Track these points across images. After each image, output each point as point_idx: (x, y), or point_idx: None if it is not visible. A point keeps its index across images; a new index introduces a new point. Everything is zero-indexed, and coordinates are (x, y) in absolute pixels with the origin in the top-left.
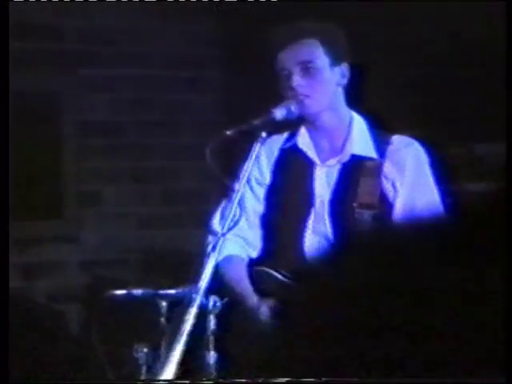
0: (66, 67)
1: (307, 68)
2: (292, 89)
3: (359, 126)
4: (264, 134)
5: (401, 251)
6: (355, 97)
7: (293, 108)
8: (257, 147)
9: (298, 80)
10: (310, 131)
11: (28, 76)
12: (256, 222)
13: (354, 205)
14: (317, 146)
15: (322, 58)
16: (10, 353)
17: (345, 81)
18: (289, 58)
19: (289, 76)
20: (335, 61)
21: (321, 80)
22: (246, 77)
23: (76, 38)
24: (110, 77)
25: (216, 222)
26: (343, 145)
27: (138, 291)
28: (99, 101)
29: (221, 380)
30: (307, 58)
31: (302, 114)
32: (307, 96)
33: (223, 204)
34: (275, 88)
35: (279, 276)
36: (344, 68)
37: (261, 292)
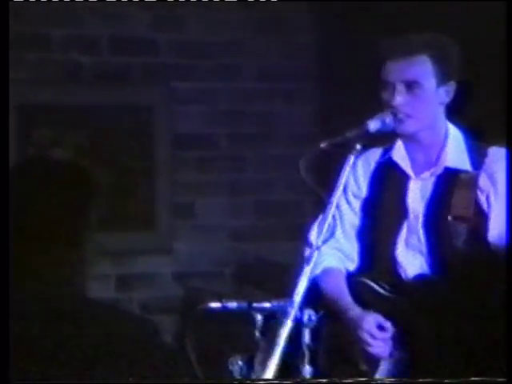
0: (160, 80)
1: (412, 87)
2: (393, 106)
3: (455, 138)
4: (359, 147)
5: (497, 272)
6: (454, 109)
7: (387, 120)
8: (351, 159)
9: (400, 99)
10: (405, 144)
11: (123, 89)
12: (352, 234)
13: (449, 217)
14: (412, 159)
15: (429, 78)
16: (10, 353)
17: (449, 99)
18: (395, 73)
19: (392, 92)
20: (443, 80)
21: (424, 101)
22: (341, 89)
23: (170, 51)
24: (204, 89)
25: (311, 235)
26: (438, 157)
27: (232, 304)
28: (193, 113)
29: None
30: (414, 77)
31: (399, 132)
32: (408, 116)
33: (319, 216)
34: (370, 100)
35: (378, 288)
36: (450, 87)
37: (361, 303)
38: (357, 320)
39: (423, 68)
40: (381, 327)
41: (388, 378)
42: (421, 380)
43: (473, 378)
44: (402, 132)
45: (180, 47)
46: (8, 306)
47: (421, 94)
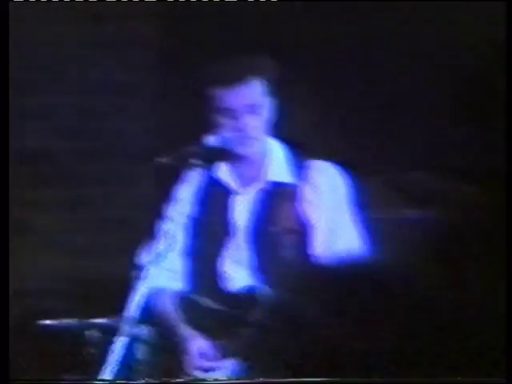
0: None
1: (254, 110)
2: (240, 129)
3: (277, 152)
4: (196, 162)
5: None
6: (279, 126)
7: (228, 140)
8: (188, 175)
9: (247, 122)
10: (229, 160)
11: None
12: (180, 253)
13: (275, 230)
14: (236, 175)
15: (263, 98)
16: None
17: (273, 114)
18: (236, 99)
19: (236, 117)
20: (270, 97)
21: (264, 120)
22: (180, 105)
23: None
24: (43, 104)
25: (144, 253)
26: (262, 172)
27: (67, 321)
28: (32, 129)
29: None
30: (254, 100)
31: (239, 152)
32: (252, 137)
33: (152, 234)
34: (208, 118)
35: (207, 303)
36: (273, 101)
37: (191, 320)
38: (184, 341)
39: (258, 89)
40: (204, 354)
41: (383, 378)
42: (420, 379)
43: (473, 379)
44: (243, 153)
45: (19, 61)
46: (8, 305)
47: (262, 113)
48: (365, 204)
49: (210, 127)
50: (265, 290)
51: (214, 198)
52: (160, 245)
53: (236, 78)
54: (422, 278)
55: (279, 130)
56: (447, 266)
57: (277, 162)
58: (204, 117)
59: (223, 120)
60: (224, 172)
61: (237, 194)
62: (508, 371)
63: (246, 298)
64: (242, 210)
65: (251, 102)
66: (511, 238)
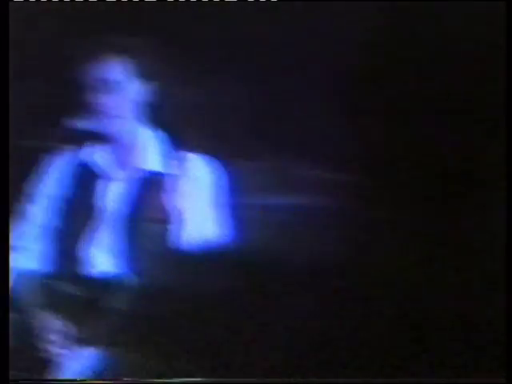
0: None
1: (110, 86)
2: (94, 105)
3: (152, 140)
4: (61, 146)
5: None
6: (150, 113)
7: (91, 120)
8: (52, 159)
9: (100, 98)
10: (104, 145)
11: None
12: (45, 235)
13: (143, 218)
14: (110, 161)
15: (124, 76)
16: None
17: (143, 98)
18: (91, 74)
19: (91, 92)
20: (137, 78)
21: (125, 100)
22: (43, 85)
23: None
24: None
25: (11, 235)
26: (136, 159)
27: None
28: None
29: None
30: (110, 75)
31: (101, 132)
32: (111, 115)
33: (15, 216)
34: (74, 99)
35: (70, 288)
36: (143, 85)
37: (51, 304)
38: (43, 327)
39: (118, 66)
40: (61, 341)
41: (380, 378)
42: (420, 379)
43: (473, 378)
44: (105, 131)
45: None
46: (8, 305)
47: (122, 93)
48: (237, 190)
49: (74, 107)
50: (129, 276)
51: (84, 182)
52: (23, 227)
53: (96, 53)
54: (293, 263)
55: (155, 117)
56: (319, 252)
57: (151, 151)
58: (68, 97)
59: (84, 99)
60: (97, 155)
61: (109, 178)
62: (508, 371)
63: (108, 284)
64: (112, 195)
65: (108, 79)
66: (511, 237)
